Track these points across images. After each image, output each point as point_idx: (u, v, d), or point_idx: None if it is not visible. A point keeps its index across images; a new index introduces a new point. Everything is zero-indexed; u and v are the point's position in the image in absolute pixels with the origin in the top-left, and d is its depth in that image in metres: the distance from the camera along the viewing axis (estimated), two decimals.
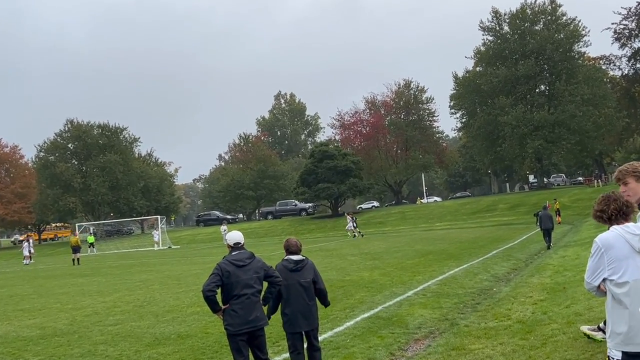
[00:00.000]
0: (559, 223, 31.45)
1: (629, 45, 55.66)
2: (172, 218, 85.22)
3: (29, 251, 38.30)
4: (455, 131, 72.36)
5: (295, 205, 63.53)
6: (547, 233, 19.75)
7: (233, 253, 5.66)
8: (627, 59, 57.42)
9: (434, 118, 69.86)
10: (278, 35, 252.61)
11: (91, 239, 47.77)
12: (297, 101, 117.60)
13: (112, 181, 66.26)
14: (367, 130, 67.79)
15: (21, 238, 69.45)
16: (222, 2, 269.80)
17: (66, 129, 69.83)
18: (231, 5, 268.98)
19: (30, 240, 42.53)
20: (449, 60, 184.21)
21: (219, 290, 5.49)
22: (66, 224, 78.31)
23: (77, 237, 35.95)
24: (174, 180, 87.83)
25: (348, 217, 39.21)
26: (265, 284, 5.73)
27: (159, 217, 52.17)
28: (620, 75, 59.68)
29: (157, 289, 15.42)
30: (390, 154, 68.57)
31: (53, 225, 78.01)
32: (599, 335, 6.38)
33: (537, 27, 56.45)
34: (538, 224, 20.89)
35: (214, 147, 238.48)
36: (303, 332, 5.86)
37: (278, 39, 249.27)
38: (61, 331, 10.16)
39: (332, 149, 56.58)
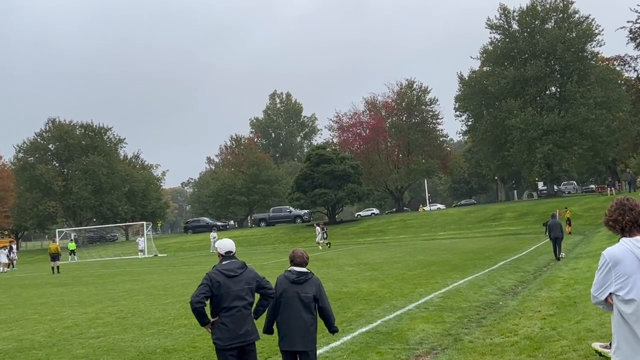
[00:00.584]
0: (569, 233, 31.52)
1: None
2: (159, 224, 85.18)
3: (9, 258, 38.42)
4: (460, 135, 72.46)
5: (290, 211, 63.51)
6: (556, 243, 19.82)
7: (223, 262, 5.64)
8: None
9: (438, 120, 70.15)
10: (277, 32, 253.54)
11: (72, 245, 47.66)
12: (293, 101, 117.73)
13: (95, 184, 66.17)
14: (366, 132, 67.88)
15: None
16: None
17: (47, 128, 69.84)
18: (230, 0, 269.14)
19: (14, 247, 42.72)
20: (455, 61, 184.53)
21: (208, 302, 5.48)
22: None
23: (57, 243, 35.86)
24: (161, 184, 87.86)
25: (317, 227, 39.27)
26: (257, 296, 5.71)
27: (144, 223, 52.12)
28: (635, 76, 59.85)
29: (142, 300, 15.39)
30: (391, 158, 68.66)
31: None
32: (611, 352, 6.39)
33: (547, 26, 56.60)
34: (547, 233, 20.95)
35: (204, 149, 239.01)
36: (298, 354, 5.59)
37: (277, 36, 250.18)
38: (39, 344, 10.12)
39: (330, 152, 56.64)
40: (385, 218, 59.38)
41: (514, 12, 57.93)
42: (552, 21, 56.77)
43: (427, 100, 69.83)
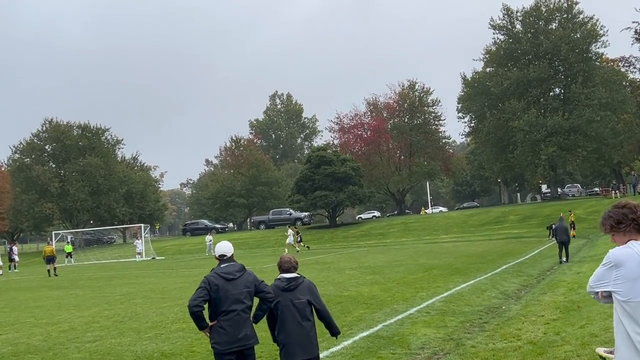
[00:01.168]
0: (574, 237, 31.50)
1: None
2: (157, 227, 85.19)
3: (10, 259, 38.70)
4: (463, 136, 72.47)
5: (290, 214, 63.48)
6: (563, 246, 19.91)
7: (222, 265, 5.64)
8: None
9: (440, 122, 70.12)
10: (279, 34, 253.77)
11: (69, 248, 47.66)
12: (293, 102, 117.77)
13: (92, 186, 66.20)
14: (368, 134, 67.87)
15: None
16: None
17: (44, 129, 69.85)
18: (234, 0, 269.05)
19: (15, 249, 42.84)
20: (457, 63, 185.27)
21: (206, 306, 5.47)
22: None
23: (52, 246, 35.83)
24: (159, 185, 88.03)
25: (290, 230, 39.24)
26: (257, 300, 5.69)
27: (142, 225, 52.12)
28: None
29: (139, 303, 15.38)
30: (392, 160, 68.64)
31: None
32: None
33: (551, 26, 56.64)
34: (553, 236, 21.02)
35: (204, 151, 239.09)
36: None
37: (279, 38, 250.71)
38: (35, 348, 10.11)
39: (331, 154, 56.65)
40: (387, 221, 59.36)
41: (517, 12, 57.97)
42: (556, 22, 56.81)
43: (429, 101, 69.80)
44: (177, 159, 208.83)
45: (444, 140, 71.37)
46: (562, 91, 58.35)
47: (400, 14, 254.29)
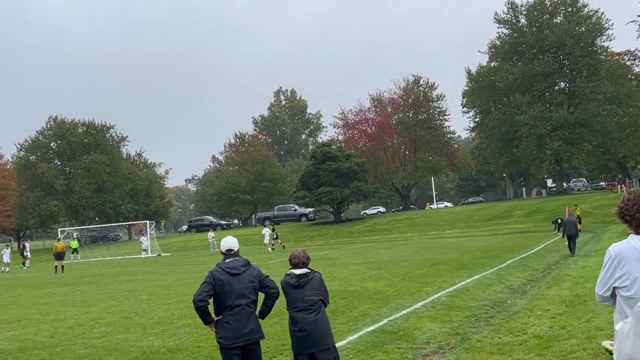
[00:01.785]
0: (580, 231, 31.45)
1: None
2: (162, 223, 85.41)
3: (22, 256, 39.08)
4: (468, 131, 72.30)
5: (295, 210, 63.55)
6: (570, 240, 20.02)
7: (227, 260, 5.65)
8: None
9: (445, 117, 70.01)
10: (284, 33, 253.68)
11: (75, 244, 47.78)
12: (298, 98, 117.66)
13: (97, 183, 66.35)
14: (372, 129, 67.83)
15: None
16: None
17: (48, 126, 69.98)
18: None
19: (27, 246, 43.05)
20: (462, 58, 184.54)
21: (211, 301, 5.48)
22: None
23: (62, 243, 36.06)
24: (164, 182, 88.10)
25: (266, 229, 39.31)
26: (261, 296, 5.70)
27: (147, 222, 52.19)
28: None
29: (145, 299, 15.44)
30: (397, 155, 68.60)
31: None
32: None
33: (556, 20, 56.43)
34: (560, 230, 21.13)
35: (209, 147, 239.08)
36: (313, 354, 5.47)
37: (285, 37, 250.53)
38: (42, 344, 10.16)
39: (335, 149, 56.58)
40: (392, 216, 59.33)
41: (522, 6, 57.79)
42: (561, 15, 56.60)
43: (434, 96, 69.73)
44: (183, 156, 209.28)
45: (448, 135, 71.32)
46: (567, 85, 58.14)
47: (407, 12, 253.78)
